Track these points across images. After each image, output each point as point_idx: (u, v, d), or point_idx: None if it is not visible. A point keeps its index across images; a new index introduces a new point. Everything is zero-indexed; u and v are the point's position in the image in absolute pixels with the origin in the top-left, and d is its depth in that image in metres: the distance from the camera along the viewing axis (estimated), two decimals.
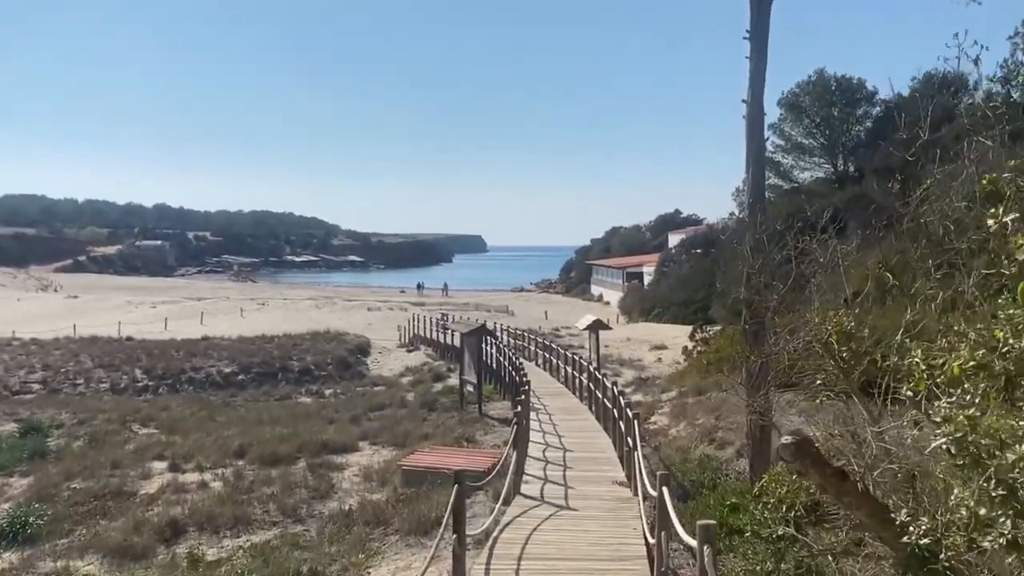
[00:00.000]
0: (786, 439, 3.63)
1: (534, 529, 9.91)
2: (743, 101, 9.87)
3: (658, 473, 7.98)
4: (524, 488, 12.21)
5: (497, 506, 10.89)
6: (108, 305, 66.97)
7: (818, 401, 5.52)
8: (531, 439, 15.81)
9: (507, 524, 10.21)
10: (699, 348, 25.51)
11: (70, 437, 19.90)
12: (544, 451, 14.84)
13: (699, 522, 5.06)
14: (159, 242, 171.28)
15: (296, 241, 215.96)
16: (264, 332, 44.37)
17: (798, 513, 5.51)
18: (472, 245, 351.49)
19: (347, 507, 13.06)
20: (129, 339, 42.38)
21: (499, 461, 13.28)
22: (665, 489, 7.83)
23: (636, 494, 11.38)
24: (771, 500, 5.75)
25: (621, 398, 14.26)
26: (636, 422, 11.75)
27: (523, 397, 14.56)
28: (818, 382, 5.21)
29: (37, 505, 13.45)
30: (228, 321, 55.46)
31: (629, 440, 12.55)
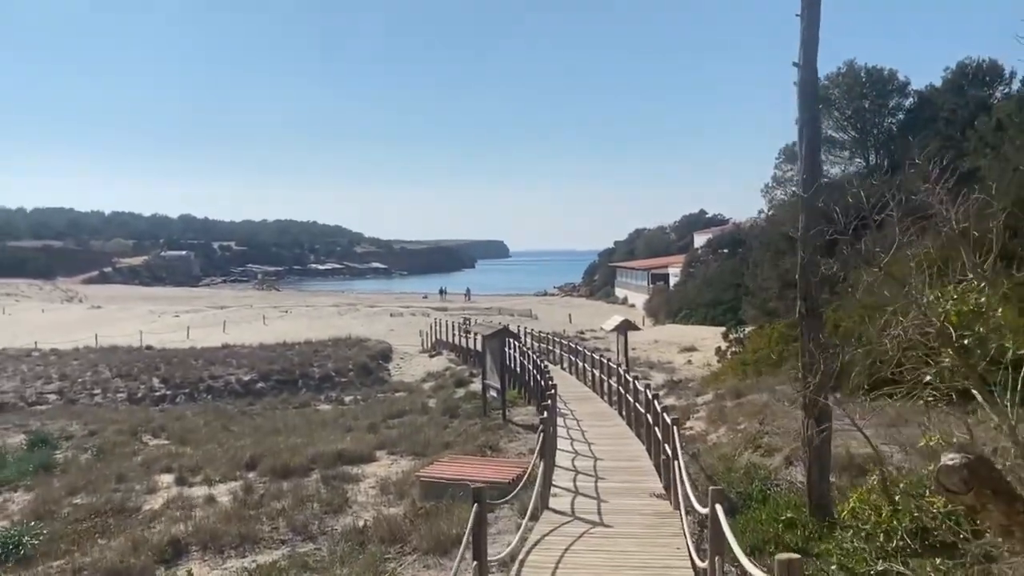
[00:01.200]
0: (952, 459, 2.57)
1: (565, 549, 8.86)
2: (794, 64, 8.77)
3: (710, 488, 6.91)
4: (553, 502, 11.16)
5: (524, 522, 9.87)
6: (131, 315, 66.87)
7: (921, 403, 4.44)
8: (559, 447, 14.76)
9: (535, 544, 9.18)
10: (733, 349, 24.31)
11: (79, 449, 19.15)
12: (573, 460, 13.78)
13: (780, 556, 4.02)
14: (184, 252, 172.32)
15: (320, 249, 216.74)
16: (285, 339, 43.81)
17: (900, 543, 4.44)
18: (495, 250, 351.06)
19: (362, 523, 12.07)
20: (149, 348, 41.95)
21: (525, 471, 12.27)
22: (719, 507, 6.76)
23: (677, 508, 10.31)
24: (864, 526, 4.68)
25: (656, 402, 13.17)
26: (676, 428, 10.66)
27: (549, 402, 13.51)
28: (927, 378, 4.14)
29: (33, 523, 12.61)
30: (251, 329, 55.04)
31: (667, 448, 11.47)
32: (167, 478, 15.60)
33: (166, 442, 20.11)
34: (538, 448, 11.11)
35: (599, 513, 10.50)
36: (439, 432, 18.53)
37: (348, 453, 16.27)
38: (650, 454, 13.73)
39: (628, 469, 13.01)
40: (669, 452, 11.15)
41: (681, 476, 9.82)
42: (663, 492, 11.44)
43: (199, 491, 14.48)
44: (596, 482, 12.20)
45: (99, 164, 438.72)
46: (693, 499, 8.84)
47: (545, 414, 12.23)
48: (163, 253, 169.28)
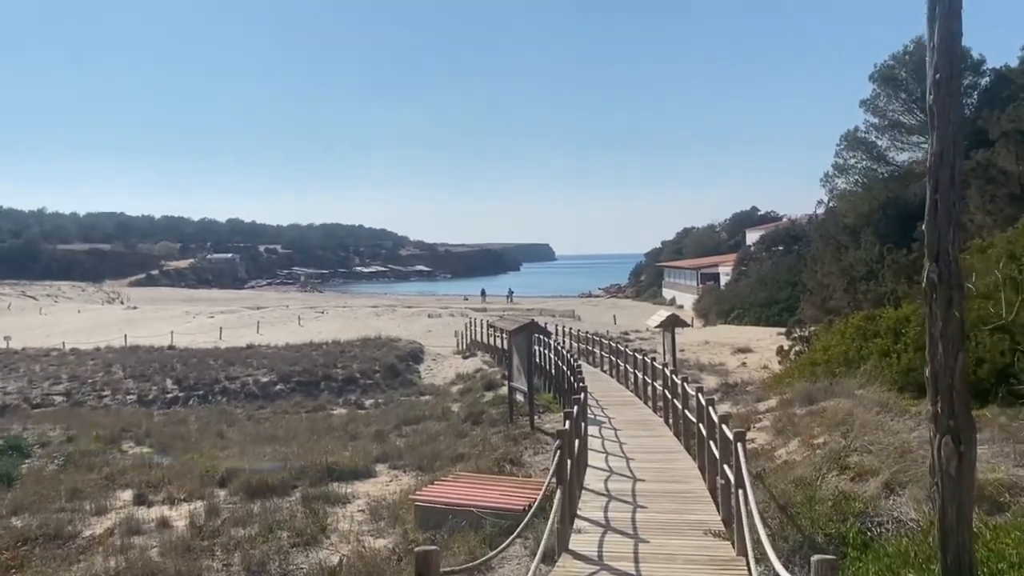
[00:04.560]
0: None
1: None
2: None
3: (815, 560, 4.16)
4: (576, 540, 8.46)
5: (533, 566, 7.19)
6: (166, 315, 65.79)
7: None
8: (590, 463, 12.06)
9: None
10: (798, 348, 21.25)
11: (49, 458, 16.99)
12: (606, 481, 11.05)
13: None
14: (230, 255, 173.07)
15: (365, 252, 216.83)
16: (314, 340, 41.85)
17: None
18: (540, 254, 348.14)
19: (336, 560, 9.52)
20: (171, 348, 40.23)
21: (545, 494, 9.57)
22: None
23: (742, 553, 7.53)
24: None
25: (711, 409, 10.36)
26: (740, 445, 7.85)
27: (575, 408, 10.77)
28: None
29: None
30: (285, 330, 53.40)
31: (726, 470, 8.68)
32: (126, 495, 13.24)
33: (148, 450, 17.89)
34: (553, 467, 8.39)
35: (636, 559, 7.77)
36: (453, 442, 15.91)
37: (341, 467, 13.73)
38: (703, 475, 10.93)
39: (675, 495, 10.22)
40: (731, 476, 8.37)
41: (749, 509, 7.08)
42: (722, 529, 8.65)
43: (156, 512, 12.08)
44: (634, 512, 9.45)
45: (150, 172, 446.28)
46: (768, 547, 6.08)
47: (567, 423, 9.48)
48: (209, 256, 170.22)
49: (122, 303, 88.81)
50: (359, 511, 11.70)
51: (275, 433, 19.19)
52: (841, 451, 10.19)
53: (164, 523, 11.38)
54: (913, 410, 12.49)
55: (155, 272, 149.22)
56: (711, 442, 10.16)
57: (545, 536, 7.56)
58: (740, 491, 7.68)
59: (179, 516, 11.80)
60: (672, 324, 22.30)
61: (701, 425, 11.22)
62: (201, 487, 13.11)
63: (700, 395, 11.56)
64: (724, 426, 8.88)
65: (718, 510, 9.24)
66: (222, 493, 12.88)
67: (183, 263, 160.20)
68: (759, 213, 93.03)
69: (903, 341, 15.81)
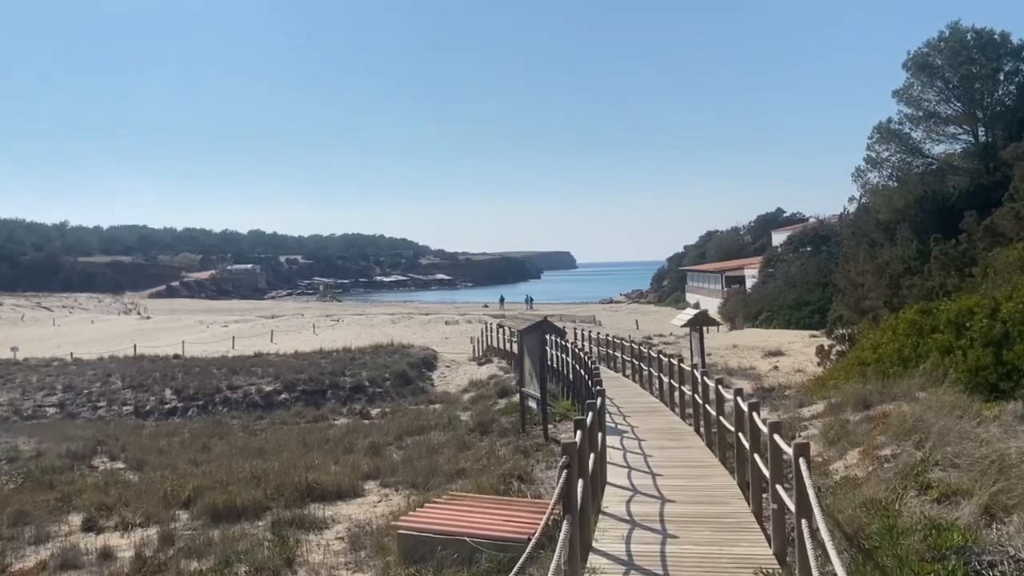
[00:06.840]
0: None
1: None
2: None
3: None
4: None
5: None
6: (179, 325, 64.73)
7: None
8: (609, 480, 10.21)
9: None
10: (839, 348, 19.26)
11: (11, 475, 15.39)
12: (629, 503, 9.19)
13: None
14: (250, 266, 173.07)
15: (385, 262, 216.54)
16: (324, 347, 40.36)
17: None
18: (561, 261, 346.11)
19: None
20: (176, 357, 38.83)
21: (553, 520, 7.76)
22: None
23: None
24: None
25: (755, 415, 8.49)
26: (804, 461, 5.98)
27: (589, 416, 8.92)
28: None
29: None
30: (299, 338, 52.06)
31: (781, 492, 6.82)
32: (76, 520, 11.57)
33: (122, 466, 16.28)
34: (559, 489, 6.55)
35: None
36: (455, 455, 14.11)
37: (323, 484, 11.97)
38: (746, 495, 9.05)
39: (713, 520, 8.35)
40: (787, 500, 6.51)
41: (820, 542, 5.30)
42: (776, 567, 6.79)
43: (103, 540, 10.41)
44: (663, 544, 7.59)
45: (173, 185, 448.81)
46: None
47: (578, 434, 7.63)
48: (229, 267, 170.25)
49: (138, 314, 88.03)
50: (337, 538, 9.95)
51: (264, 446, 17.51)
52: (918, 465, 8.27)
53: (107, 554, 9.68)
54: (988, 414, 10.57)
55: (175, 284, 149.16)
56: (755, 455, 8.30)
57: None
58: (804, 520, 5.85)
59: (128, 545, 10.11)
60: (700, 322, 20.40)
61: (741, 435, 9.34)
62: (162, 509, 11.42)
63: (740, 399, 9.66)
64: (777, 436, 7.02)
65: (768, 541, 7.39)
66: (184, 516, 11.19)
67: (203, 274, 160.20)
68: (784, 215, 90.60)
69: (968, 336, 13.85)
